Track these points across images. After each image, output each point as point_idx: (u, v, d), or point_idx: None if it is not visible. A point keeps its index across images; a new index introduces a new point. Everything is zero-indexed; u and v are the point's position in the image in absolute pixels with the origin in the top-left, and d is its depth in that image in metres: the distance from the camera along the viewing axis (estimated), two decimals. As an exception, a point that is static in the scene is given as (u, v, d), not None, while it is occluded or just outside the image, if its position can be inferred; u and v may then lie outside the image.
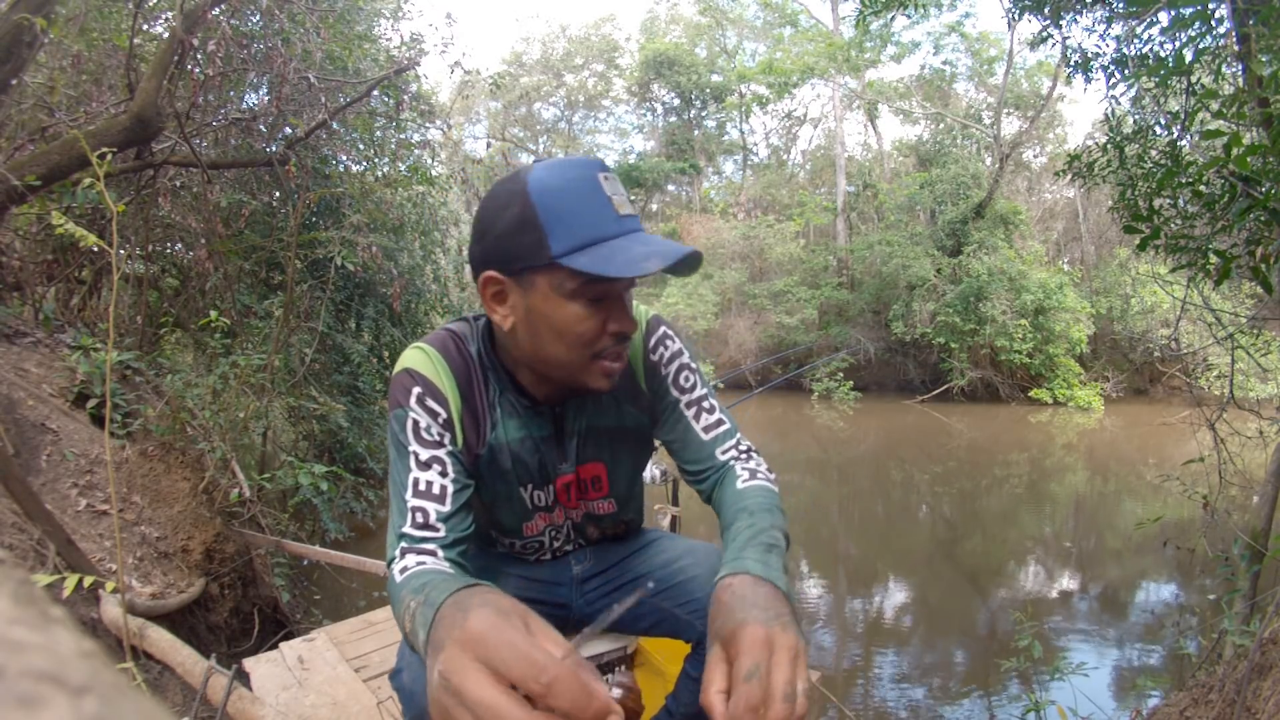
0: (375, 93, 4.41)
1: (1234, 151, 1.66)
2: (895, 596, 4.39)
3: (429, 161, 5.81)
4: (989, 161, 15.45)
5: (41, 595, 0.17)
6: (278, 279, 4.73)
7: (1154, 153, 2.85)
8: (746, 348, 14.99)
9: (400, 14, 5.73)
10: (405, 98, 4.77)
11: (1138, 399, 13.31)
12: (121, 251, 3.61)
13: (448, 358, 0.88)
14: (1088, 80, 3.51)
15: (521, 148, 21.35)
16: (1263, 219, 1.89)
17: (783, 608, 0.64)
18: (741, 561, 0.70)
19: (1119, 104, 3.56)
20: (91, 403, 2.79)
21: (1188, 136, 2.92)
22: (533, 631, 0.52)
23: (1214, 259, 2.11)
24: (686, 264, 0.76)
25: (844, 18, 16.85)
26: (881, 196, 16.48)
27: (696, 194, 21.43)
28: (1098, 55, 3.46)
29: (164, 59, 3.19)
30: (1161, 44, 3.06)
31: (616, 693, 0.95)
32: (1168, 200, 2.38)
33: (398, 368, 0.87)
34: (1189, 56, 2.74)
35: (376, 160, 5.23)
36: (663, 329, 0.97)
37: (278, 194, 4.71)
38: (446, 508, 0.80)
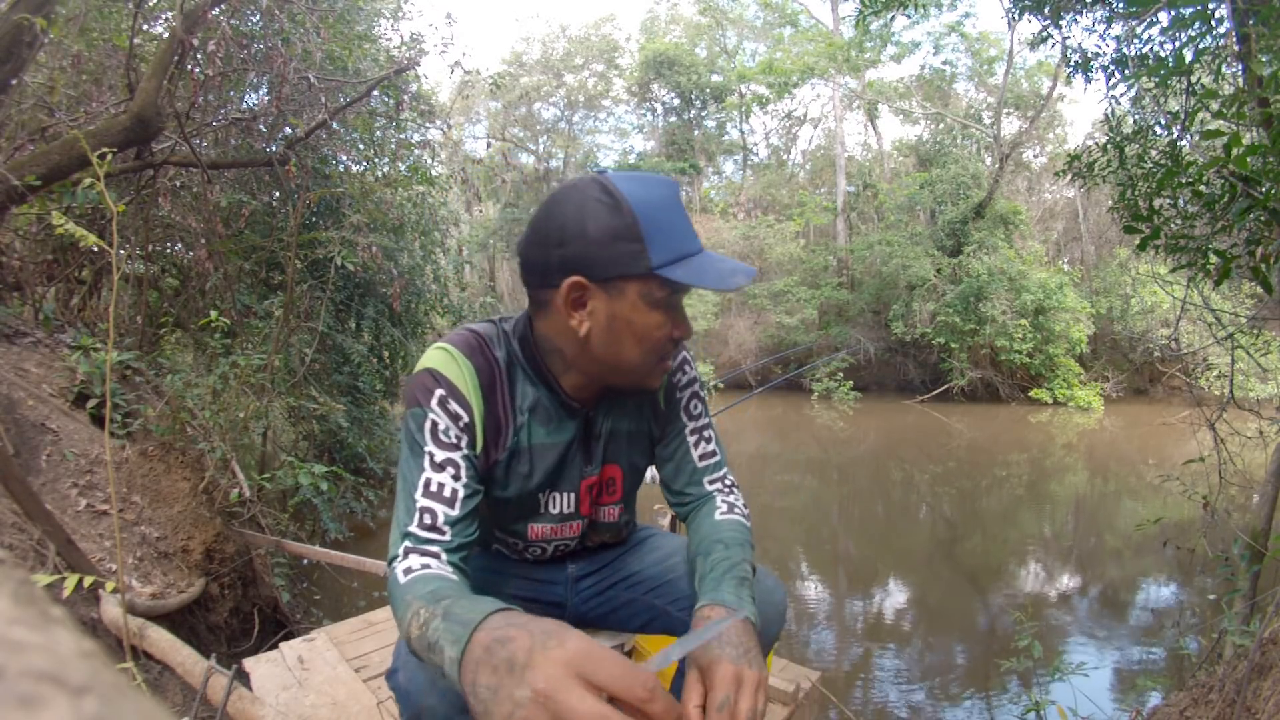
0: (375, 93, 4.41)
1: (1234, 151, 1.66)
2: (895, 596, 4.39)
3: (429, 161, 5.81)
4: (989, 161, 15.45)
5: (41, 595, 0.17)
6: (278, 279, 4.73)
7: (1154, 153, 2.84)
8: (746, 348, 15.00)
9: (400, 14, 5.74)
10: (405, 98, 4.77)
11: (1138, 399, 13.32)
12: (121, 251, 3.61)
13: (473, 360, 0.87)
14: (1088, 80, 3.51)
15: (521, 148, 21.35)
16: (1263, 219, 1.89)
17: (751, 642, 0.74)
18: (719, 594, 0.80)
19: (1119, 104, 3.56)
20: (91, 403, 2.79)
21: (1188, 136, 2.92)
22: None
23: (1214, 259, 2.11)
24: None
25: (844, 18, 16.86)
26: (881, 196, 16.48)
27: (696, 194, 21.42)
28: (1098, 55, 3.45)
29: (164, 59, 3.19)
30: (1161, 44, 3.06)
31: None
32: (1168, 200, 2.38)
33: (420, 366, 0.87)
34: (1189, 56, 2.73)
35: (376, 160, 5.23)
36: (686, 354, 1.04)
37: (278, 194, 4.71)
38: (455, 512, 0.80)
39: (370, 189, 4.65)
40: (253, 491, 2.91)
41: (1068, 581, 4.53)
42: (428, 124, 5.32)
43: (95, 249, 3.18)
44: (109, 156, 1.65)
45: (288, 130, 4.34)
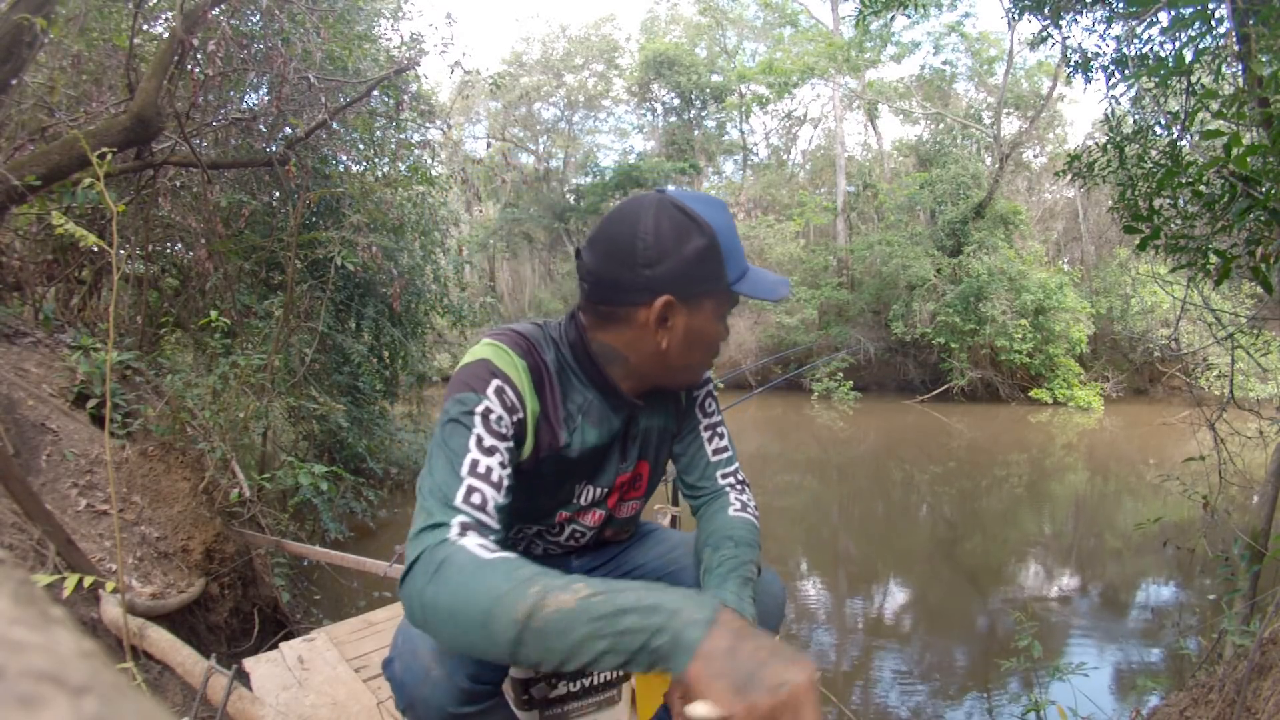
0: (375, 93, 4.41)
1: (1234, 151, 1.66)
2: (895, 596, 4.39)
3: (429, 161, 5.81)
4: (989, 161, 15.44)
5: (41, 595, 0.17)
6: (278, 279, 4.73)
7: (1154, 153, 2.84)
8: (746, 347, 15.00)
9: (400, 14, 5.74)
10: (405, 98, 4.77)
11: (1138, 399, 13.31)
12: (121, 251, 3.61)
13: (526, 360, 0.88)
14: (1088, 80, 3.51)
15: (521, 148, 21.35)
16: (1263, 219, 1.89)
17: None
18: (722, 592, 0.84)
19: (1119, 104, 3.56)
20: (91, 403, 2.79)
21: (1188, 136, 2.92)
22: None
23: (1214, 259, 2.11)
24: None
25: (844, 18, 16.84)
26: (881, 196, 16.48)
27: (696, 194, 21.33)
28: (1098, 55, 3.46)
29: (164, 59, 3.19)
30: (1161, 44, 3.06)
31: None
32: (1168, 200, 2.38)
33: (473, 357, 0.86)
34: (1189, 56, 2.73)
35: (376, 160, 5.23)
36: None
37: (278, 194, 4.71)
38: (502, 499, 0.77)
39: (370, 189, 4.65)
40: (253, 491, 2.91)
41: (1068, 581, 4.53)
42: (428, 124, 5.32)
43: (95, 249, 3.18)
44: (109, 156, 1.65)
45: (288, 130, 4.34)
